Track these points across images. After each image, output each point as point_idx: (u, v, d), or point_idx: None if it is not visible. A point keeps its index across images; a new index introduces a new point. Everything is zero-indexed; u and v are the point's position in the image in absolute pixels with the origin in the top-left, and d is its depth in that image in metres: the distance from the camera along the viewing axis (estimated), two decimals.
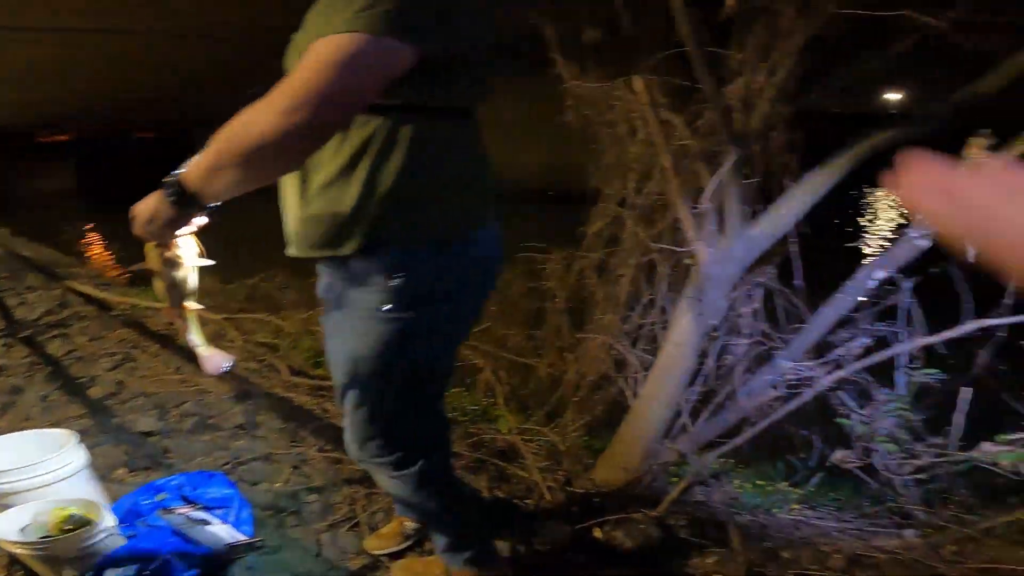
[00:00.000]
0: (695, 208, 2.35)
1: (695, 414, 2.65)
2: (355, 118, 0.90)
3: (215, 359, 1.01)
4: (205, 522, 1.53)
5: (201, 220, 0.95)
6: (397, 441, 1.17)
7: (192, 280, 0.98)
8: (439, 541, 1.36)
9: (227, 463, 2.03)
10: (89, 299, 4.58)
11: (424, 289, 1.00)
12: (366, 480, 2.02)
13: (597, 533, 2.02)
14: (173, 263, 0.95)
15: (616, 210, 2.87)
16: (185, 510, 1.55)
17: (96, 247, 9.60)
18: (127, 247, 8.85)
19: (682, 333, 2.18)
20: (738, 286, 2.39)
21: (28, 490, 1.44)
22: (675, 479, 2.46)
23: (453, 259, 1.01)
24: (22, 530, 1.35)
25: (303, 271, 4.42)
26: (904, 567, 1.96)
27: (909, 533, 2.23)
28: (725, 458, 2.87)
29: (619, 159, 2.78)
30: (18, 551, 1.33)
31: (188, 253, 0.96)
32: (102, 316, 3.99)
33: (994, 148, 1.80)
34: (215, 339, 3.29)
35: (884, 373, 2.52)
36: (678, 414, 2.48)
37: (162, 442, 2.15)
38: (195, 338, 1.01)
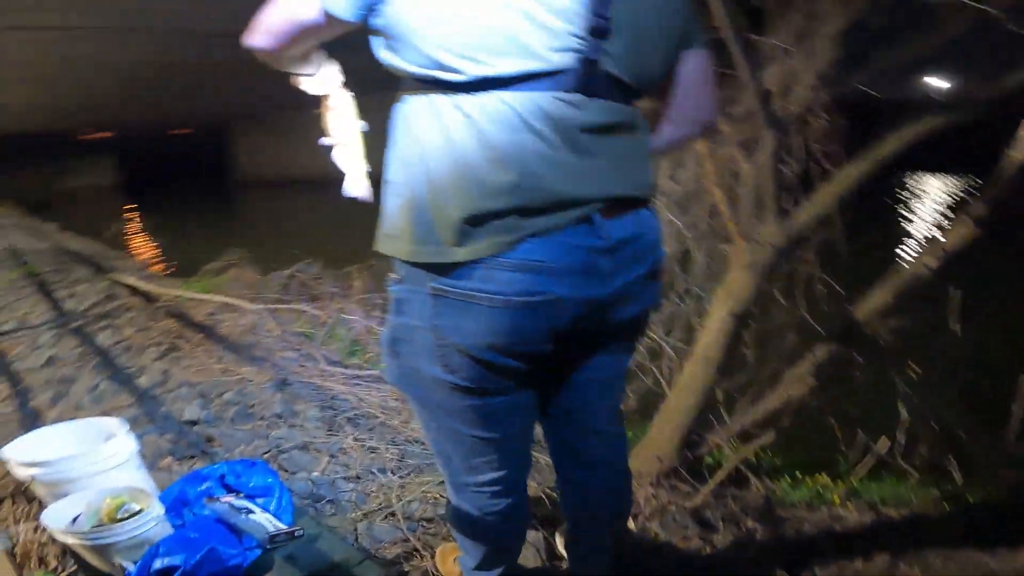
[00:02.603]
0: (732, 195, 2.30)
1: (731, 403, 2.63)
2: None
3: (361, 186, 1.08)
4: (249, 511, 1.56)
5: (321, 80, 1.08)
6: (444, 462, 1.14)
7: (350, 114, 1.09)
8: (463, 560, 1.32)
9: (268, 451, 2.09)
10: (135, 291, 4.74)
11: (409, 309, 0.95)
12: (401, 469, 2.06)
13: (631, 525, 2.00)
14: (329, 107, 1.08)
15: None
16: (229, 499, 1.59)
17: (140, 240, 9.93)
18: (168, 238, 9.13)
19: (719, 322, 2.15)
20: (776, 273, 2.34)
21: (80, 478, 1.49)
22: (712, 467, 2.43)
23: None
24: (74, 520, 1.39)
25: (336, 262, 4.51)
26: (954, 564, 1.89)
27: (958, 530, 2.11)
28: (763, 448, 2.84)
29: None
30: (71, 541, 1.37)
31: (335, 99, 1.09)
32: (147, 308, 4.13)
33: None
34: (254, 330, 3.38)
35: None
36: (715, 402, 2.45)
37: (206, 431, 2.22)
38: (356, 160, 1.07)
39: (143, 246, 9.33)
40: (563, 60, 0.86)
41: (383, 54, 0.91)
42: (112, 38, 10.22)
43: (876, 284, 2.06)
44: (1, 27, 8.74)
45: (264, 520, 1.54)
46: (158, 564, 1.29)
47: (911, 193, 9.47)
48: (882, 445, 2.43)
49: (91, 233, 8.27)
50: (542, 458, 2.19)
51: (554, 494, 1.97)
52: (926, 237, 7.32)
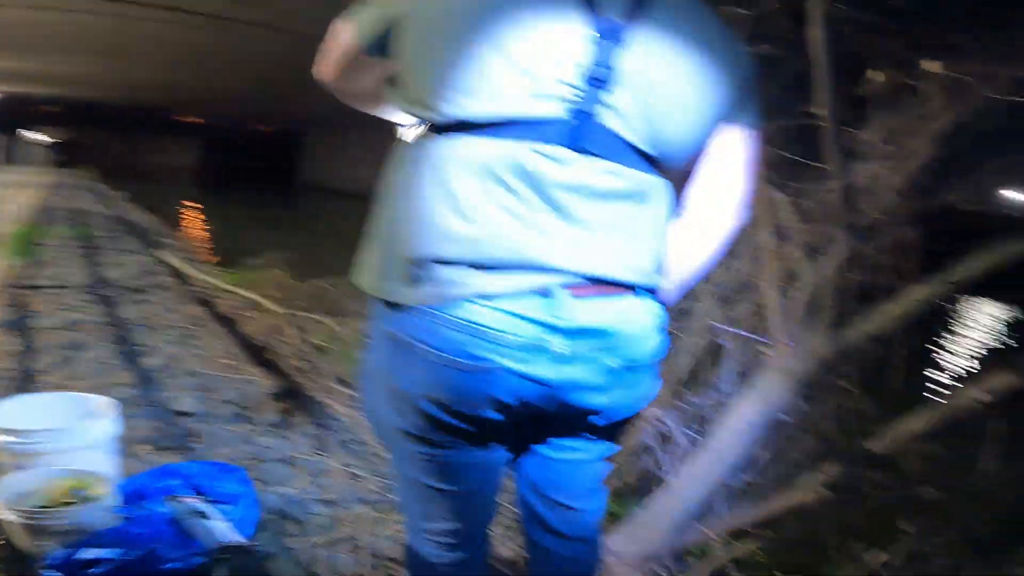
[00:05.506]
0: (784, 296, 2.20)
1: (734, 500, 2.50)
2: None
3: None
4: (207, 516, 1.50)
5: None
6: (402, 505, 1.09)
7: None
8: None
9: (249, 458, 2.04)
10: (174, 272, 4.85)
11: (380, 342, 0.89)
12: (381, 503, 1.98)
13: None
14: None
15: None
16: (191, 500, 1.54)
17: (195, 223, 10.31)
18: (222, 227, 9.41)
19: (741, 421, 2.05)
20: (814, 384, 2.21)
21: (49, 454, 1.46)
22: (697, 556, 2.34)
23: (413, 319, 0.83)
24: (21, 495, 1.35)
25: None
26: None
27: None
28: (752, 547, 2.73)
29: None
30: (10, 517, 1.32)
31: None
32: (180, 289, 4.21)
33: None
34: (272, 333, 3.38)
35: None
36: (716, 497, 2.33)
37: (194, 425, 2.19)
38: None
39: (197, 230, 9.67)
40: (547, 109, 0.79)
41: (387, 88, 0.90)
42: (231, 27, 10.85)
43: (914, 409, 1.92)
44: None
45: (220, 529, 1.48)
46: (86, 554, 1.24)
47: (965, 318, 9.08)
48: (875, 560, 2.30)
49: (154, 208, 8.61)
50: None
51: None
52: (974, 368, 6.97)
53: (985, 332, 8.60)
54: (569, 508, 1.07)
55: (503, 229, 0.79)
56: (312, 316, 3.65)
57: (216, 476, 1.66)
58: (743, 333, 2.41)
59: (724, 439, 2.09)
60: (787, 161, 2.38)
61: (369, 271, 0.88)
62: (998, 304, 9.54)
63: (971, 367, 6.95)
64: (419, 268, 0.81)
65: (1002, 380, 1.80)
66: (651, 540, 2.17)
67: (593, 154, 0.80)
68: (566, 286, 0.81)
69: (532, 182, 0.79)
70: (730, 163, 0.92)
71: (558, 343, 0.82)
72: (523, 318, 0.80)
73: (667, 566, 2.19)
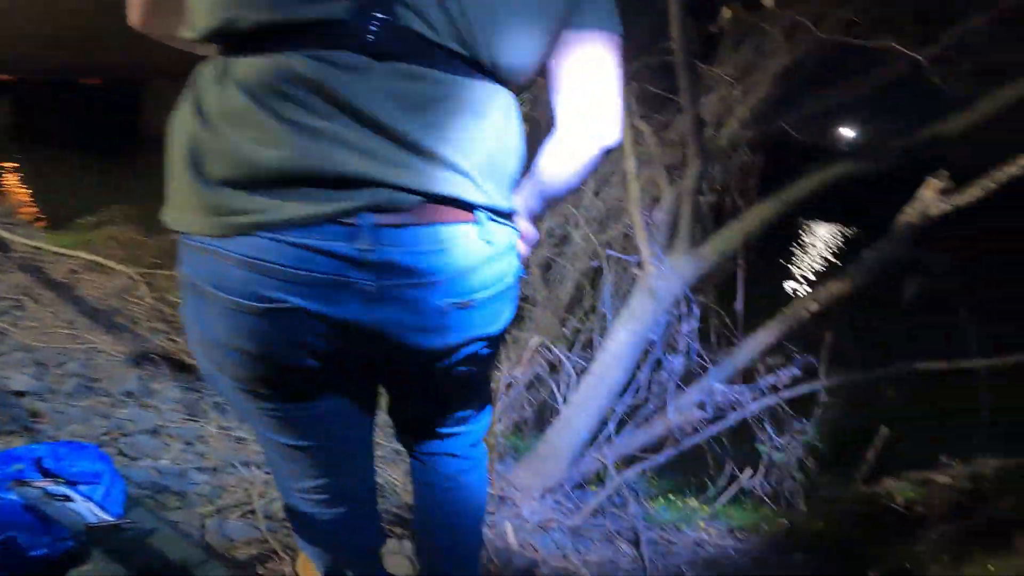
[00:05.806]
0: (649, 219, 2.31)
1: (621, 425, 2.64)
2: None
3: None
4: (66, 498, 1.34)
5: None
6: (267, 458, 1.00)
7: None
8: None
9: (106, 433, 1.82)
10: None
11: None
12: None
13: (512, 539, 1.97)
14: None
15: (570, 210, 2.79)
16: (43, 484, 1.35)
17: (13, 186, 8.92)
18: (50, 189, 8.18)
19: (619, 344, 2.15)
20: (679, 303, 2.37)
21: None
22: (594, 488, 2.46)
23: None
24: None
25: None
26: None
27: (798, 557, 2.31)
28: (644, 471, 2.91)
29: None
30: None
31: None
32: None
33: (948, 191, 1.81)
34: (120, 295, 3.02)
35: (802, 404, 2.61)
36: (605, 424, 2.45)
37: (34, 404, 1.91)
38: None
39: (16, 192, 8.36)
40: (324, 11, 0.69)
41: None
42: None
43: (762, 323, 2.13)
44: None
45: (84, 509, 1.33)
46: None
47: (800, 238, 10.18)
48: (747, 476, 2.56)
49: None
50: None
51: None
52: (810, 283, 7.83)
53: (818, 249, 9.71)
54: (445, 435, 1.03)
55: (291, 143, 0.69)
56: (166, 272, 3.31)
57: (65, 456, 1.48)
58: (617, 255, 2.52)
59: (606, 363, 2.19)
60: (651, 94, 2.48)
61: (165, 203, 0.77)
62: (828, 224, 10.82)
63: (806, 282, 7.83)
64: (199, 192, 0.71)
65: (832, 290, 2.03)
66: (551, 472, 2.27)
67: (393, 58, 0.70)
68: (374, 212, 0.71)
69: (322, 92, 0.69)
70: (591, 73, 0.82)
71: (365, 280, 0.72)
72: (320, 252, 0.70)
73: (571, 496, 2.30)
